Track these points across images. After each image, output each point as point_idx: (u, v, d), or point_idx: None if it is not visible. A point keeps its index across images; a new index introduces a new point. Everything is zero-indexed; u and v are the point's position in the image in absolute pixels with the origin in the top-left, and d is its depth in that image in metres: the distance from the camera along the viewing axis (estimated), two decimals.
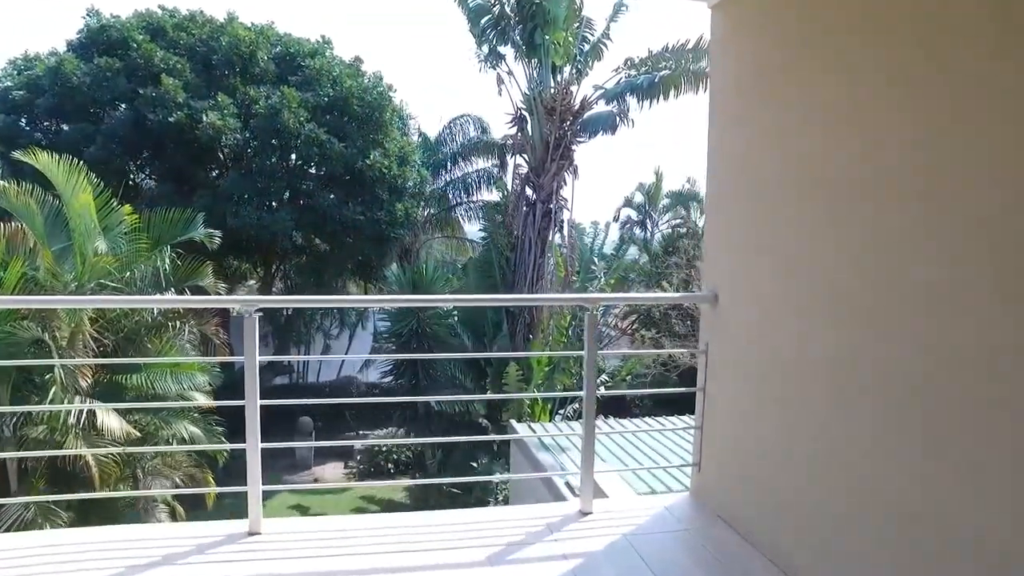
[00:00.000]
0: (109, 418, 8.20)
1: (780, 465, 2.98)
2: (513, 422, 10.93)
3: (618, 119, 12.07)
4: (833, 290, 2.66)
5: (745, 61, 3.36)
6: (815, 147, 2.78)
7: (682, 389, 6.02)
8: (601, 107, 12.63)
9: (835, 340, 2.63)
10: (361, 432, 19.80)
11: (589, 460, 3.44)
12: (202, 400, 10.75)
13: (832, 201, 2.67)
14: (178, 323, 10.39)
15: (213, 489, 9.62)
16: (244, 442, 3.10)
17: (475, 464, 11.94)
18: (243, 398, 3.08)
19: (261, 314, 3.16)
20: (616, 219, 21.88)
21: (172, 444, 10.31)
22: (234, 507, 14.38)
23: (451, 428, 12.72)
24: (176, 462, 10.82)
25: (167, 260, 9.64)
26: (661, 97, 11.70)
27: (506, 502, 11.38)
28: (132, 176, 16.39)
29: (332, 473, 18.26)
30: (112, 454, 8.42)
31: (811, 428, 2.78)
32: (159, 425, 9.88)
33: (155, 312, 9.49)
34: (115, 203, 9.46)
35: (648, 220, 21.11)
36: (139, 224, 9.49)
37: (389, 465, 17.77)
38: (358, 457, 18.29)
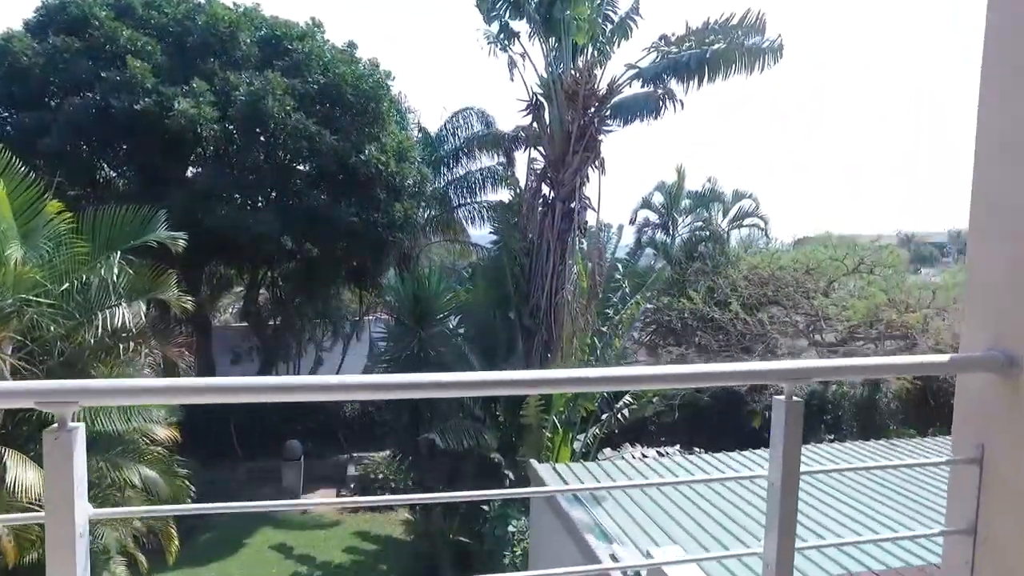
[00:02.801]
0: (26, 472, 6.43)
1: None
2: (533, 462, 9.16)
3: (662, 101, 10.34)
4: None
5: None
6: None
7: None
8: (635, 89, 10.91)
9: None
10: (355, 455, 18.09)
11: None
12: (163, 434, 9.06)
13: None
14: (131, 344, 8.63)
15: None
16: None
17: (487, 507, 10.20)
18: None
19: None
20: (632, 221, 20.19)
21: (123, 492, 8.59)
22: (199, 556, 12.51)
23: (457, 464, 10.95)
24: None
25: (114, 269, 7.86)
26: (707, 78, 9.99)
27: (524, 557, 9.60)
28: (101, 171, 14.64)
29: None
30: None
31: None
32: (105, 470, 8.12)
33: (98, 330, 7.72)
34: (48, 198, 7.66)
35: (671, 223, 19.39)
36: (74, 225, 7.73)
37: (386, 495, 16.01)
38: (351, 486, 16.53)
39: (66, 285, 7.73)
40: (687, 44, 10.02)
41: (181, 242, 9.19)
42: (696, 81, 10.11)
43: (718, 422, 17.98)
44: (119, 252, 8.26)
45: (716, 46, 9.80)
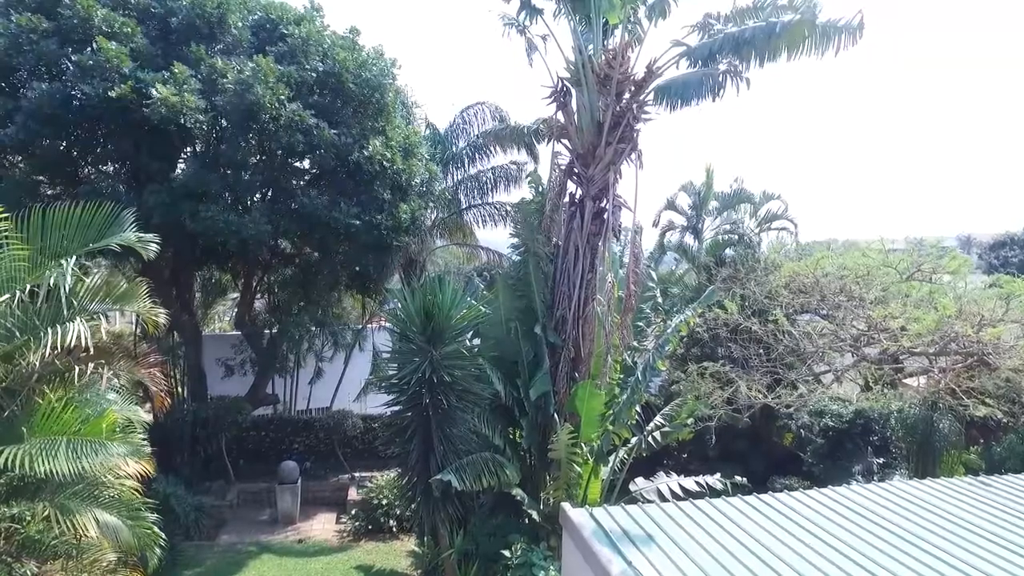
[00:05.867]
0: None
1: None
2: (566, 507, 7.74)
3: (726, 78, 8.90)
4: None
5: None
6: None
7: None
8: (683, 70, 9.46)
9: None
10: (358, 475, 16.71)
11: None
12: (133, 468, 7.66)
13: None
14: (89, 365, 7.26)
15: None
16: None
17: (508, 553, 8.79)
18: None
19: None
20: (656, 224, 18.78)
21: (76, 540, 7.23)
22: None
23: (473, 505, 9.60)
24: (88, 565, 7.67)
25: (67, 277, 6.49)
26: (770, 57, 8.58)
27: None
28: (81, 168, 13.30)
29: (322, 529, 15.10)
30: None
31: None
32: (56, 518, 6.76)
33: (47, 351, 6.35)
34: None
35: (700, 225, 17.97)
36: (9, 227, 6.37)
37: (391, 522, 14.64)
38: (353, 511, 15.14)
39: (5, 296, 6.37)
40: (750, 20, 8.62)
41: (153, 246, 7.78)
42: (757, 61, 8.71)
43: (748, 441, 16.59)
44: (75, 257, 6.90)
45: (791, 16, 8.38)
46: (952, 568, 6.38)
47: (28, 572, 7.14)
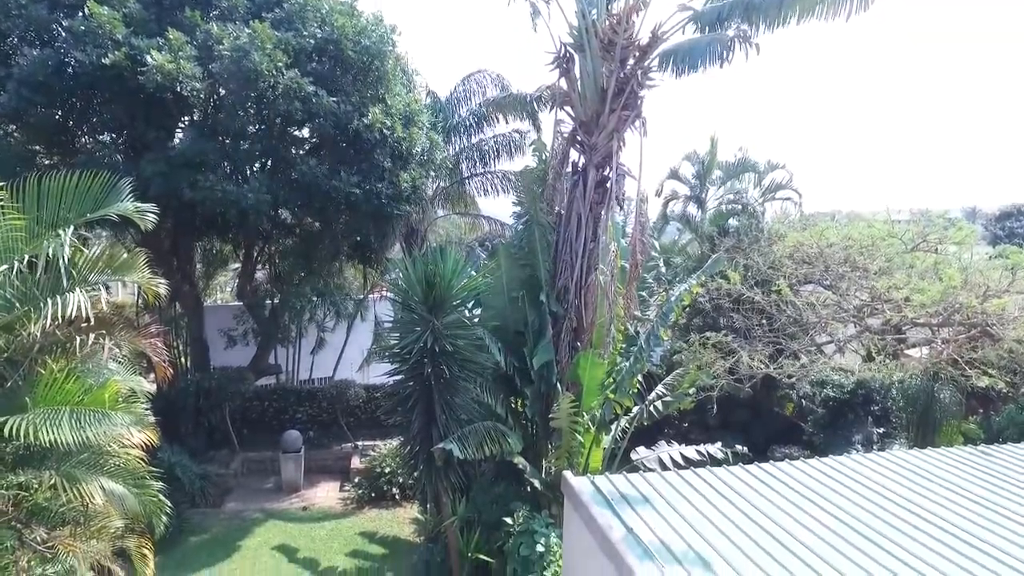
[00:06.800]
0: None
1: None
2: (568, 475, 7.80)
3: (734, 43, 8.65)
4: None
5: None
6: None
7: None
8: (689, 35, 9.22)
9: None
10: (360, 444, 16.87)
11: None
12: (137, 437, 7.70)
13: None
14: (91, 336, 7.25)
15: None
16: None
17: (510, 520, 8.89)
18: None
19: None
20: (659, 193, 18.61)
21: (83, 507, 7.32)
22: (189, 561, 11.22)
23: (475, 473, 9.70)
24: (96, 531, 7.77)
25: (65, 247, 6.43)
26: (780, 23, 8.32)
27: None
28: (78, 137, 13.14)
29: (326, 497, 15.31)
30: None
31: None
32: (63, 486, 6.81)
33: (47, 322, 6.33)
34: None
35: (703, 195, 17.79)
36: (5, 196, 6.29)
37: (394, 490, 14.83)
38: (356, 479, 15.32)
39: (3, 267, 6.33)
40: None
41: (151, 216, 7.70)
42: (767, 25, 8.47)
43: (748, 410, 16.66)
44: (72, 227, 6.82)
45: None
46: (951, 536, 6.44)
47: (38, 538, 7.24)
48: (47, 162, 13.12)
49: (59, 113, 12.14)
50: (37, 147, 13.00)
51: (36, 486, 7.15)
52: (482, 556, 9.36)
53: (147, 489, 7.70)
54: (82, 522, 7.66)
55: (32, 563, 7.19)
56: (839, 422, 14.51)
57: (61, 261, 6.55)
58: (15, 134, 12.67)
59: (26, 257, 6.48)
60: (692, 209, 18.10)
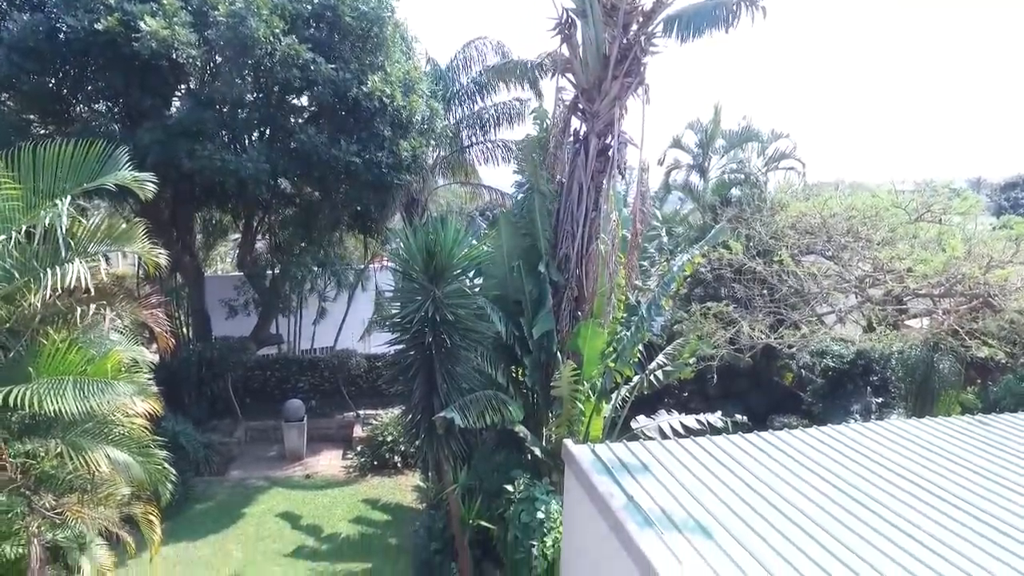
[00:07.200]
0: None
1: None
2: (568, 443, 7.87)
3: (740, 6, 8.44)
4: None
5: None
6: None
7: None
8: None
9: None
10: (362, 413, 17.01)
11: None
12: (141, 407, 7.75)
13: None
14: (91, 307, 7.25)
15: None
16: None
17: (511, 488, 9.00)
18: None
19: None
20: (661, 162, 18.43)
21: (90, 475, 7.39)
22: (195, 528, 11.41)
23: (476, 442, 9.77)
24: (103, 498, 7.88)
25: (63, 217, 6.37)
26: None
27: (556, 549, 8.43)
28: (73, 106, 12.97)
29: (328, 465, 15.49)
30: None
31: None
32: (69, 455, 6.88)
33: (47, 292, 6.31)
34: None
35: (706, 164, 17.61)
36: (0, 165, 6.22)
37: (396, 458, 15.00)
38: (358, 448, 15.49)
39: (1, 237, 6.29)
40: None
41: (150, 186, 7.61)
42: None
43: (748, 380, 16.75)
44: (70, 197, 6.76)
45: None
46: (948, 504, 6.51)
47: (47, 504, 7.35)
48: (42, 131, 12.97)
49: (52, 81, 11.97)
50: (31, 116, 12.85)
51: (43, 454, 7.22)
52: (483, 523, 9.49)
53: (152, 457, 7.78)
54: (89, 489, 7.76)
55: (42, 528, 7.30)
56: (838, 392, 14.57)
57: (59, 231, 6.50)
58: (8, 103, 12.50)
59: (23, 227, 6.43)
60: (694, 178, 17.94)
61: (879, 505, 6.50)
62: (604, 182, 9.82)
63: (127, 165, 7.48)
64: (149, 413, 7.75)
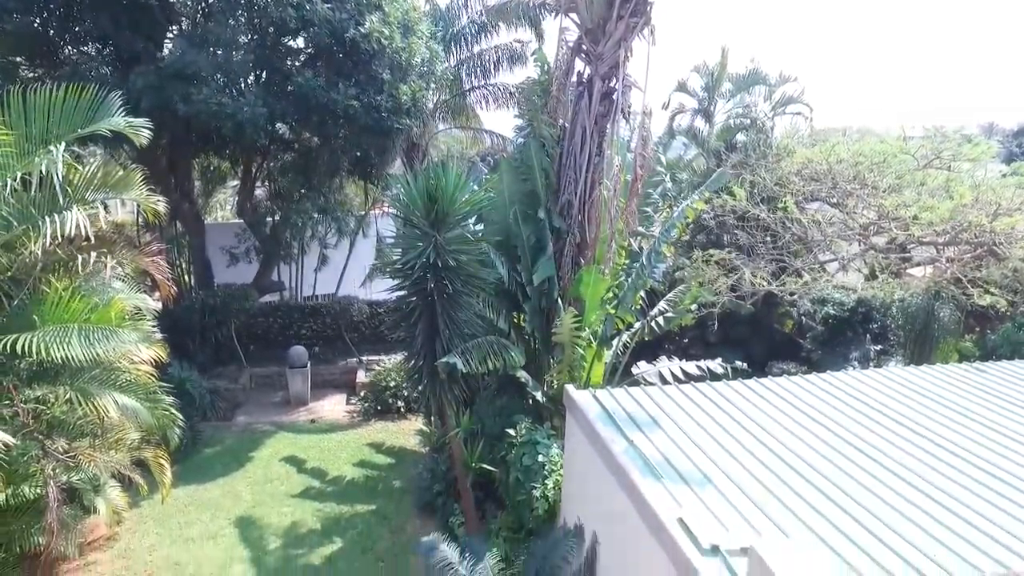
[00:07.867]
0: None
1: None
2: (570, 388, 7.97)
3: None
4: None
5: None
6: None
7: None
8: None
9: None
10: (365, 359, 17.19)
11: None
12: (146, 354, 7.83)
13: None
14: (92, 255, 7.23)
15: None
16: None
17: (513, 432, 9.16)
18: None
19: None
20: (665, 107, 18.02)
21: (99, 420, 7.52)
22: (205, 471, 11.69)
23: (478, 387, 9.90)
24: (113, 443, 8.04)
25: (59, 164, 6.27)
26: None
27: (557, 491, 8.65)
28: (62, 49, 12.62)
29: (332, 410, 15.75)
30: None
31: None
32: (77, 401, 6.98)
33: (47, 240, 6.28)
34: None
35: (711, 108, 17.24)
36: None
37: (398, 403, 15.23)
38: (362, 393, 15.72)
39: None
40: None
41: (145, 132, 7.46)
42: None
43: (748, 327, 16.84)
44: (64, 144, 6.64)
45: None
46: (943, 449, 6.63)
47: (59, 448, 7.51)
48: (30, 75, 12.65)
49: (38, 20, 11.60)
50: (18, 58, 12.50)
51: (52, 400, 7.33)
52: (485, 466, 9.71)
53: (159, 403, 7.90)
54: (100, 434, 7.92)
55: (57, 471, 7.48)
56: (837, 339, 14.67)
57: (56, 178, 6.41)
58: None
59: (19, 175, 6.34)
60: (699, 123, 17.59)
61: (876, 451, 6.62)
62: (608, 126, 9.64)
63: (120, 110, 7.33)
64: (154, 360, 7.85)
